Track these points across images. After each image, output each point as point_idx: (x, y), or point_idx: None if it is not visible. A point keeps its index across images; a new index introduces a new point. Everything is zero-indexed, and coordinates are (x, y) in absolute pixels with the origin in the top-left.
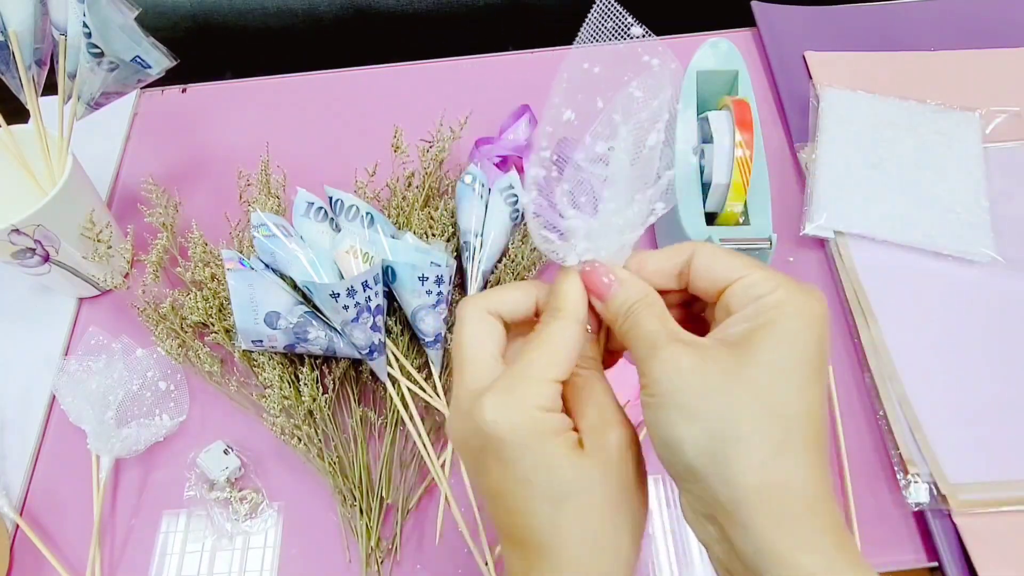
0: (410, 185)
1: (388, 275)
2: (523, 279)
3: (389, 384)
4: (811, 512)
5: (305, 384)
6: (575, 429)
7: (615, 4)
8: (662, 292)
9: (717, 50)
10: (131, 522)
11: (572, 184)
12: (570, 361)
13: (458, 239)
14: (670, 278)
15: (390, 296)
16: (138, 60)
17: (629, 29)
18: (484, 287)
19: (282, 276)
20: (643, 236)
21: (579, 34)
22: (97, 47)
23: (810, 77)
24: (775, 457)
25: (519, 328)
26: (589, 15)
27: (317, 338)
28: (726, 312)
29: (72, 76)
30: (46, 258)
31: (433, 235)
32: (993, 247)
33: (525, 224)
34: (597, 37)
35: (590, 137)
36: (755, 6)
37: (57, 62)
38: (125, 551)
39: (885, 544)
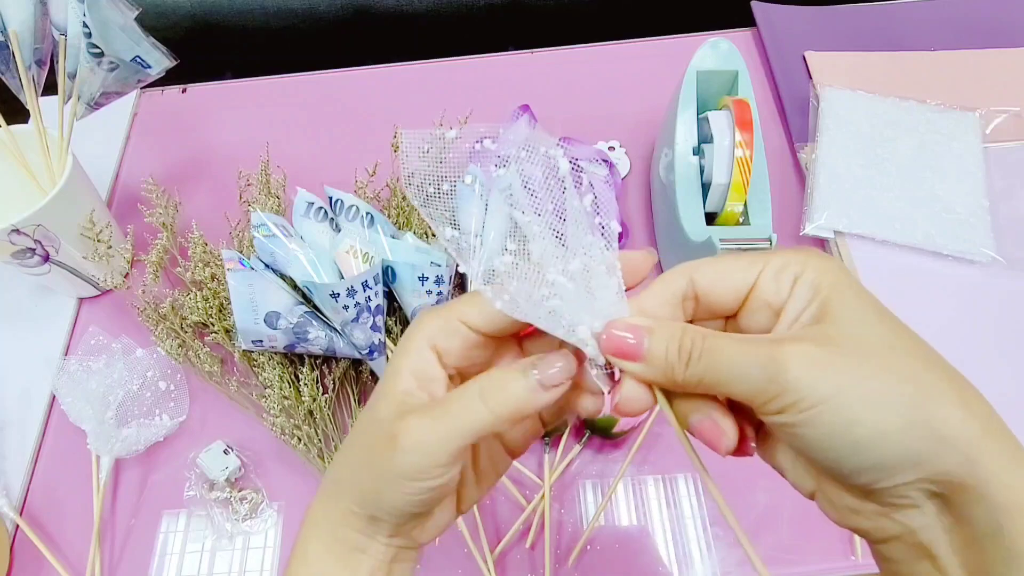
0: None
1: (388, 275)
2: None
3: None
4: None
5: (305, 384)
6: None
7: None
8: None
9: (717, 50)
10: (131, 522)
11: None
12: (484, 317)
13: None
14: (675, 308)
15: (390, 296)
16: (138, 60)
17: (443, 137)
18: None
19: (282, 276)
20: (643, 239)
21: (405, 173)
22: (97, 47)
23: (810, 77)
24: (972, 401)
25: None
26: (402, 153)
27: (317, 338)
28: (765, 307)
29: (72, 76)
30: (46, 258)
31: (433, 235)
32: (993, 247)
33: None
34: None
35: (497, 246)
36: (755, 6)
37: (57, 62)
38: (125, 551)
39: None
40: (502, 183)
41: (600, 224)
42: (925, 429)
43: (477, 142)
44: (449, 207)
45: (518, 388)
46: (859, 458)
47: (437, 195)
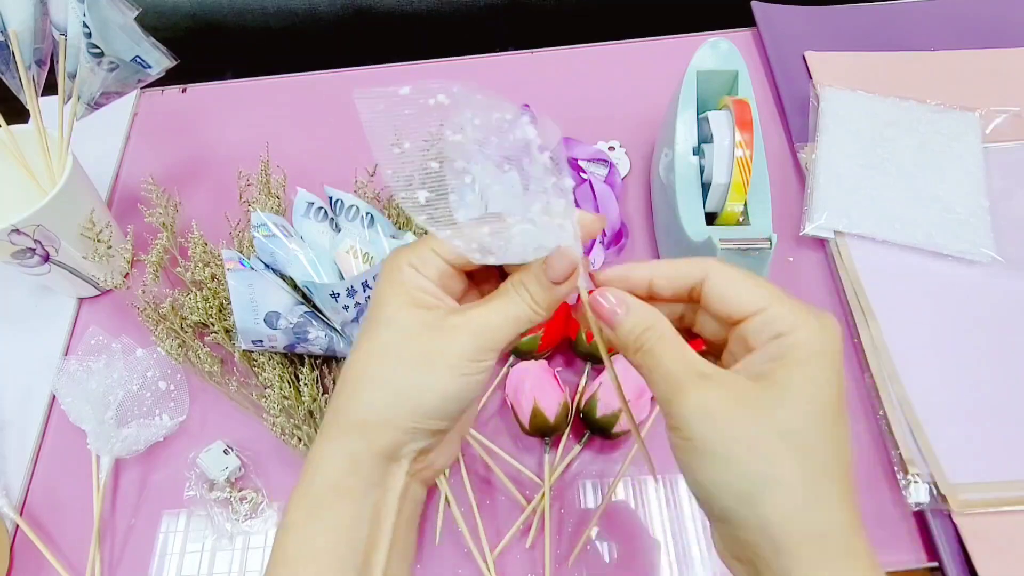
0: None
1: None
2: None
3: None
4: (848, 554)
5: (305, 384)
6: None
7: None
8: (663, 299)
9: (717, 50)
10: (131, 522)
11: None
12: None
13: None
14: (679, 292)
15: None
16: (138, 60)
17: (397, 94)
18: None
19: (282, 276)
20: (643, 238)
21: (368, 131)
22: (97, 47)
23: (810, 77)
24: (814, 503)
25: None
26: (361, 114)
27: (317, 338)
28: (743, 343)
29: (72, 76)
30: (46, 258)
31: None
32: (993, 247)
33: None
34: (383, 119)
35: (454, 194)
36: (755, 6)
37: (57, 62)
38: (125, 551)
39: (885, 544)
40: (458, 146)
41: (556, 184)
42: (748, 505)
43: (431, 98)
44: (417, 168)
45: (540, 287)
46: (696, 490)
47: (401, 156)
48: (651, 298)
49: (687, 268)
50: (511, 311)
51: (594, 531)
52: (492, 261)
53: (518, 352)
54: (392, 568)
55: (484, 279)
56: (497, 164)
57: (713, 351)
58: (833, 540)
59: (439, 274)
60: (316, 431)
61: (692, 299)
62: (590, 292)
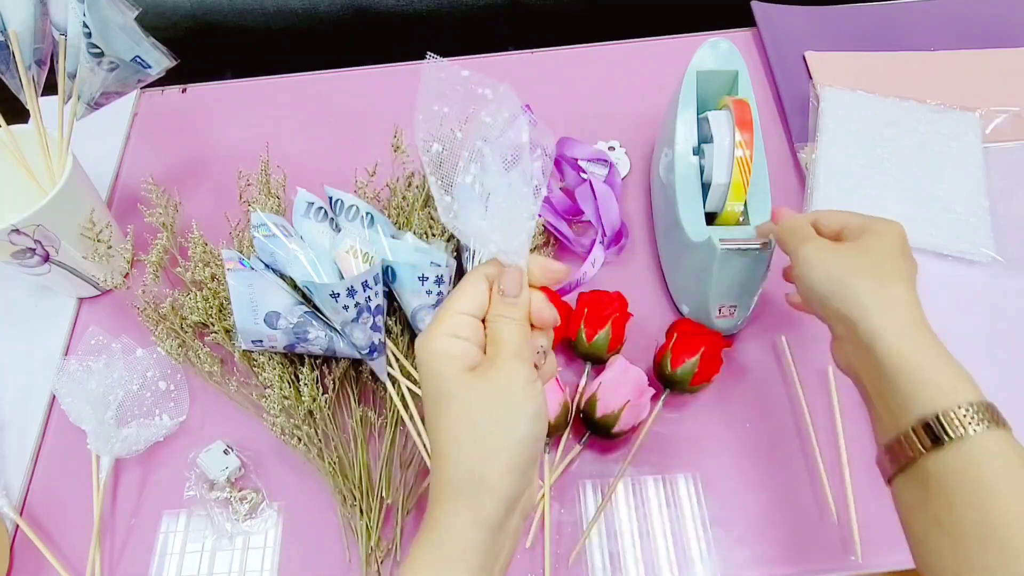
0: (410, 185)
1: (388, 275)
2: None
3: (389, 384)
4: (913, 310)
5: (305, 384)
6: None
7: (437, 58)
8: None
9: (717, 50)
10: (131, 522)
11: (460, 200)
12: (477, 301)
13: (458, 239)
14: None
15: (390, 296)
16: (138, 60)
17: (460, 73)
18: None
19: (282, 276)
20: (643, 238)
21: (422, 88)
22: (97, 47)
23: (810, 77)
24: (885, 285)
25: None
26: (423, 73)
27: (317, 338)
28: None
29: (72, 76)
30: (46, 258)
31: (433, 235)
32: (993, 247)
33: None
34: (438, 86)
35: (462, 165)
36: (755, 6)
37: (57, 62)
38: (125, 551)
39: (885, 544)
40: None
41: (535, 188)
42: (845, 292)
43: (480, 88)
44: (443, 128)
45: (504, 305)
46: (813, 298)
47: (439, 115)
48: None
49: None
50: (512, 332)
51: (594, 531)
52: (458, 234)
53: (594, 428)
54: None
55: None
56: (502, 158)
57: None
58: (902, 305)
59: (471, 328)
60: (316, 431)
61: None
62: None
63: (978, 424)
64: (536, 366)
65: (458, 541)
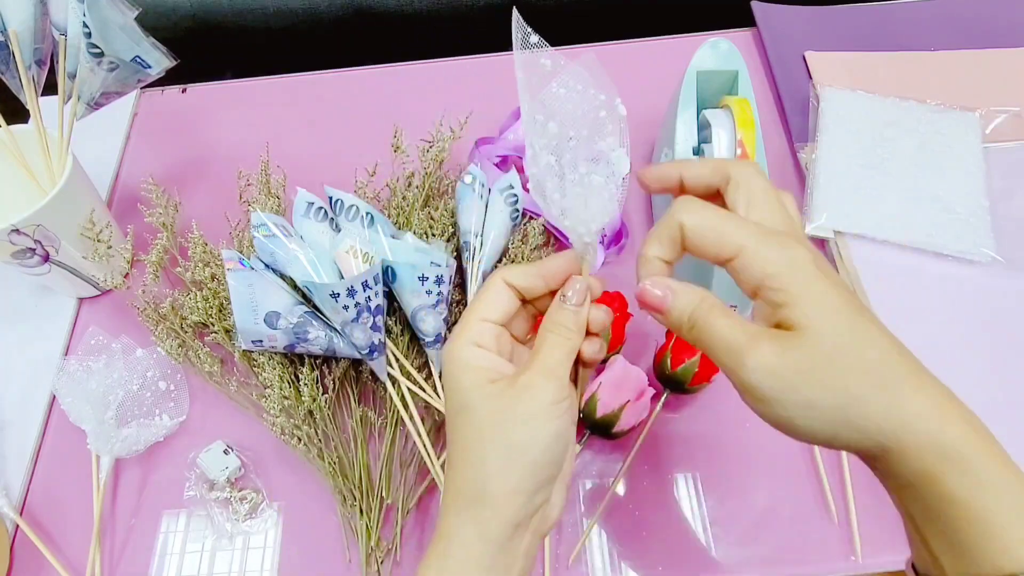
0: (410, 185)
1: (388, 275)
2: None
3: (389, 384)
4: (939, 391)
5: (305, 384)
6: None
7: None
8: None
9: (717, 50)
10: (131, 522)
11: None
12: (500, 308)
13: (458, 239)
14: (710, 192)
15: (390, 296)
16: (138, 60)
17: (529, 38)
18: None
19: (282, 276)
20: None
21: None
22: (97, 47)
23: (810, 77)
24: (889, 391)
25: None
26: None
27: (317, 338)
28: (738, 280)
29: (72, 76)
30: (46, 258)
31: (433, 235)
32: (993, 247)
33: (525, 224)
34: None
35: (537, 143)
36: (755, 6)
37: (57, 62)
38: (125, 551)
39: (885, 544)
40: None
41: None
42: (846, 426)
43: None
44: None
45: (568, 316)
46: (799, 436)
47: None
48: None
49: (664, 225)
50: (557, 346)
51: (594, 531)
52: (542, 206)
53: (594, 428)
54: None
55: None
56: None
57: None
58: (923, 384)
59: (495, 337)
60: (316, 431)
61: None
62: (640, 289)
63: None
64: (586, 364)
65: (463, 553)
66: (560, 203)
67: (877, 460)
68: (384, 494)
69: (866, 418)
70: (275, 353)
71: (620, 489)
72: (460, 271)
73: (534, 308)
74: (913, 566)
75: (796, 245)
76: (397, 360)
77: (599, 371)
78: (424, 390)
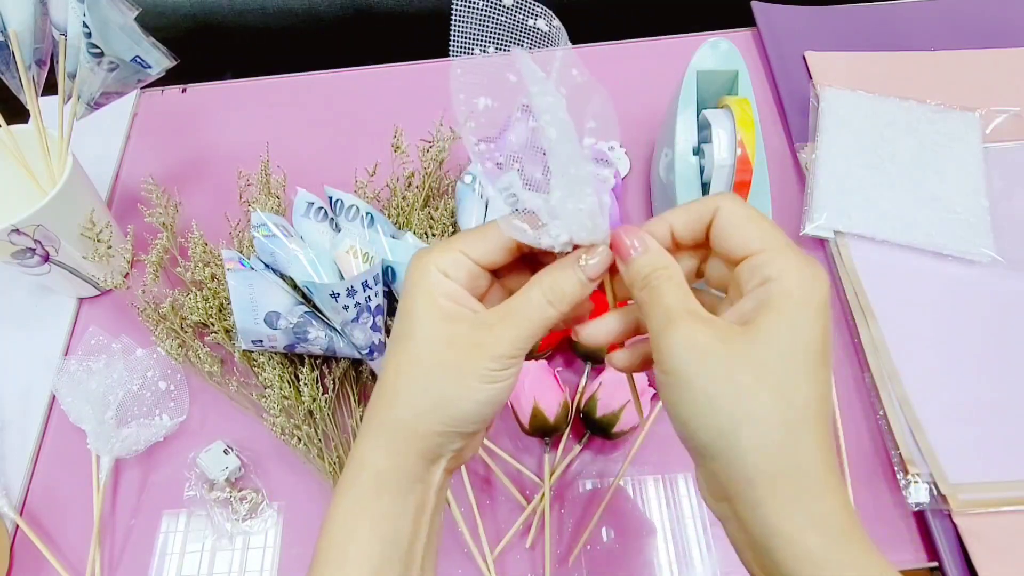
0: (410, 185)
1: (388, 275)
2: None
3: None
4: (820, 494)
5: (305, 384)
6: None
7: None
8: (690, 248)
9: (717, 50)
10: (131, 522)
11: (518, 170)
12: (486, 249)
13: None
14: (698, 234)
15: (390, 296)
16: (138, 60)
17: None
18: None
19: (282, 276)
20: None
21: (453, 29)
22: (97, 47)
23: (810, 77)
24: (787, 441)
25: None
26: (454, 8)
27: (317, 338)
28: (738, 286)
29: (72, 76)
30: (46, 258)
31: (433, 235)
32: (993, 247)
33: None
34: (474, 23)
35: (513, 119)
36: (755, 6)
37: (57, 62)
38: (125, 551)
39: (885, 544)
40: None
41: (597, 170)
42: (728, 454)
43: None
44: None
45: (573, 284)
46: (678, 426)
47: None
48: (676, 248)
49: (700, 206)
50: (536, 317)
51: (594, 531)
52: (520, 237)
53: (594, 428)
54: (429, 556)
55: (509, 271)
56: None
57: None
58: (805, 479)
59: (467, 275)
60: (316, 431)
61: (708, 245)
62: (616, 232)
63: None
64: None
65: (375, 481)
66: (546, 207)
67: (725, 495)
68: None
69: (751, 454)
70: (275, 353)
71: (620, 489)
72: None
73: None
74: None
75: (821, 270)
76: None
77: (599, 371)
78: None
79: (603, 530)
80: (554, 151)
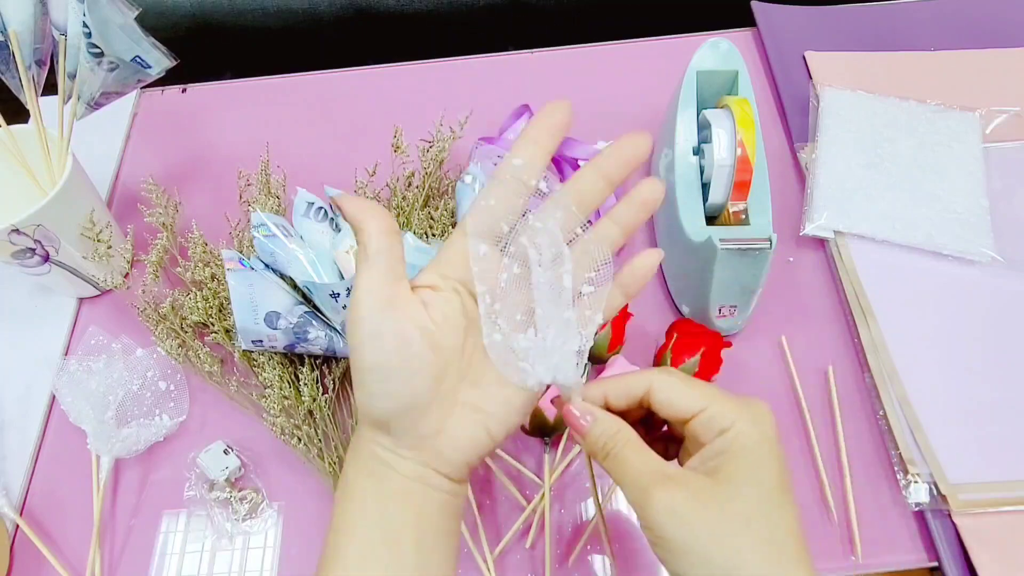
0: (410, 185)
1: None
2: None
3: None
4: None
5: (305, 384)
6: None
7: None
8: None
9: (717, 50)
10: (131, 522)
11: (511, 310)
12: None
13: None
14: (632, 404)
15: None
16: (138, 60)
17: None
18: None
19: (282, 276)
20: (643, 238)
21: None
22: (97, 47)
23: (810, 77)
24: (777, 572)
25: None
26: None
27: (317, 338)
28: (695, 439)
29: (72, 76)
30: (46, 258)
31: (433, 235)
32: (993, 247)
33: None
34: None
35: (507, 261)
36: (755, 6)
37: (57, 62)
38: (125, 551)
39: (885, 544)
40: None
41: (587, 314)
42: None
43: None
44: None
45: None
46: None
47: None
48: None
49: (632, 382)
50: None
51: (594, 531)
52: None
53: None
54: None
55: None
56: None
57: (678, 440)
58: None
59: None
60: (316, 431)
61: (643, 408)
62: (563, 405)
63: None
64: None
65: (361, 464)
66: (532, 348)
67: None
68: None
69: None
70: (275, 353)
71: (620, 489)
72: None
73: None
74: None
75: (762, 404)
76: None
77: (599, 371)
78: None
79: (603, 530)
80: (544, 297)
